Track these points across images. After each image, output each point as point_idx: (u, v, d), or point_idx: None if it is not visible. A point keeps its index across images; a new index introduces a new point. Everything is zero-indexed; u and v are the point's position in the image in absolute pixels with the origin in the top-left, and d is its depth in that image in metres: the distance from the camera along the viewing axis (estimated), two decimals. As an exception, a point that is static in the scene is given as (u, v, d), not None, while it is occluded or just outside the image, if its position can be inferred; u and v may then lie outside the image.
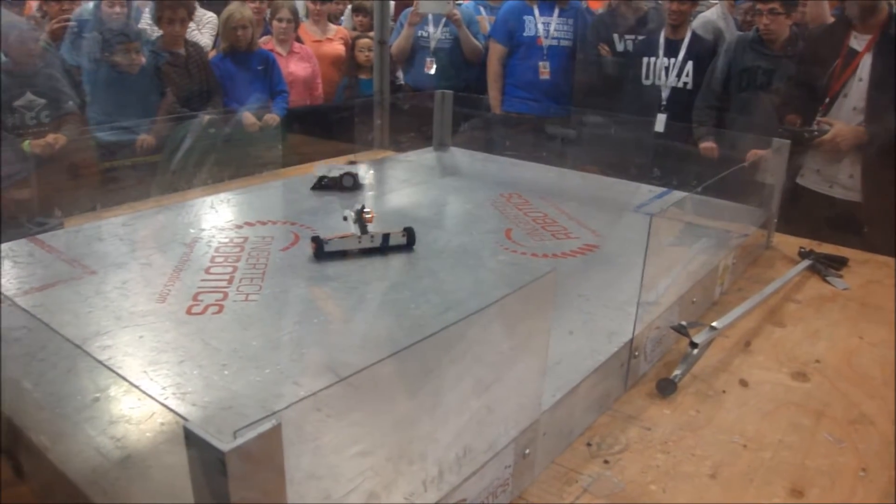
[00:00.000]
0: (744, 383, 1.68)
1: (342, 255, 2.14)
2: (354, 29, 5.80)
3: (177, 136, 3.40)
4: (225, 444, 0.74)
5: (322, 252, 2.12)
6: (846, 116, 3.17)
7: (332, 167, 2.85)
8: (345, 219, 2.28)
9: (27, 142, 3.06)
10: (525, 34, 4.60)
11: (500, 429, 1.24)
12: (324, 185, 2.80)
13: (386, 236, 2.18)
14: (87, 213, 2.58)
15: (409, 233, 2.20)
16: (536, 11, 4.60)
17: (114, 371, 1.39)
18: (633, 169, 3.28)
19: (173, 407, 1.36)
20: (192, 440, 0.77)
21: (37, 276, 1.96)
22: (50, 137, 3.11)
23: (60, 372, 1.47)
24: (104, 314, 1.74)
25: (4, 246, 2.12)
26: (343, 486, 1.06)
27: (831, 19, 3.83)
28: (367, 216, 2.22)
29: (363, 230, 2.19)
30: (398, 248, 2.19)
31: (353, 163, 2.68)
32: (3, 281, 1.90)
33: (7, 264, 2.01)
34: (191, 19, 4.76)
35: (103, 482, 1.19)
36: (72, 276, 1.96)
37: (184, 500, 0.83)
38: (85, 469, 1.22)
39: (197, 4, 5.08)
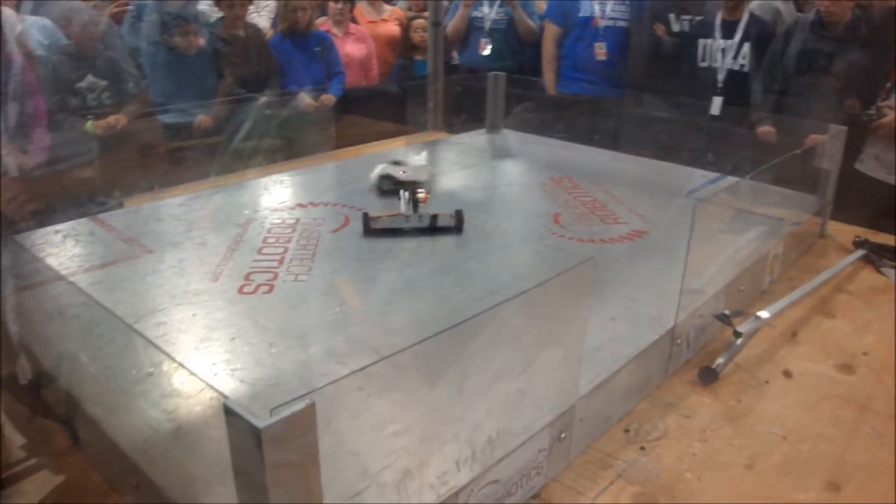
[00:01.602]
0: (787, 374, 1.67)
1: (391, 232, 2.18)
2: (409, 9, 5.81)
3: (234, 118, 3.47)
4: (261, 421, 0.78)
5: (369, 229, 2.17)
6: (908, 101, 3.10)
7: (390, 167, 2.61)
8: (398, 197, 2.34)
9: (90, 122, 3.16)
10: (581, 14, 4.56)
11: (536, 412, 1.26)
12: (385, 189, 2.55)
13: (435, 217, 2.22)
14: (146, 194, 2.66)
15: (459, 216, 2.23)
16: (593, -8, 4.55)
17: (162, 350, 1.45)
18: (686, 153, 3.24)
19: (223, 383, 1.41)
20: (231, 416, 0.81)
21: (97, 254, 2.04)
22: (111, 118, 3.21)
23: (116, 347, 1.53)
24: (160, 292, 1.80)
25: (67, 225, 2.20)
26: (378, 463, 1.10)
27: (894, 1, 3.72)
28: (420, 196, 2.27)
29: (414, 209, 2.24)
30: (446, 230, 2.22)
31: (397, 163, 2.59)
32: (65, 259, 1.98)
33: (69, 243, 2.10)
34: (250, 2, 4.84)
35: (154, 453, 1.25)
36: (130, 254, 2.03)
37: (226, 471, 0.87)
38: (137, 440, 1.28)
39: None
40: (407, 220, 2.21)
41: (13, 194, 2.20)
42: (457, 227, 2.23)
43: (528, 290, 1.12)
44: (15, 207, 2.14)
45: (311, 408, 0.82)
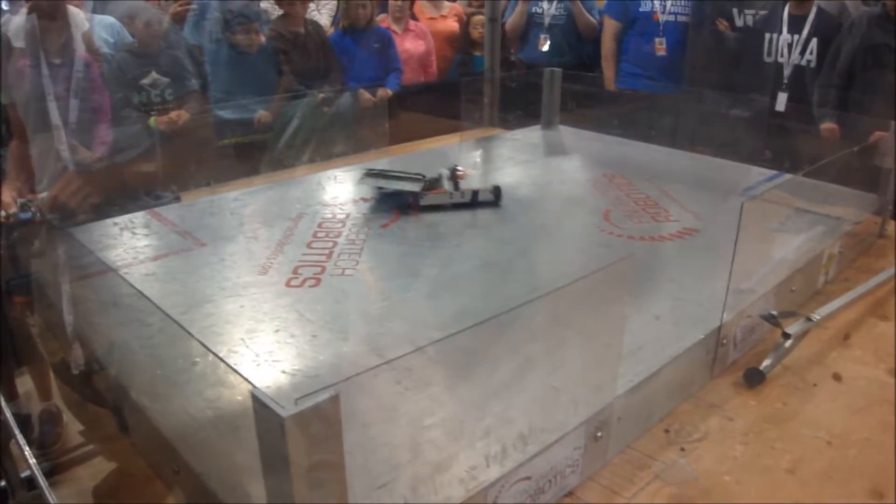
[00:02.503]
0: (837, 377, 1.63)
1: (435, 208, 2.32)
2: (469, 6, 5.81)
3: (290, 114, 3.52)
4: (285, 411, 0.80)
5: (417, 205, 2.31)
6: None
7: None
8: (439, 176, 2.42)
9: (153, 118, 3.24)
10: (641, 10, 4.50)
11: (571, 410, 1.25)
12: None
13: (475, 193, 2.35)
14: (202, 188, 2.72)
15: (497, 191, 2.37)
16: (653, -14, 4.49)
17: (199, 341, 1.48)
18: (745, 150, 3.17)
19: (264, 374, 1.44)
20: (258, 405, 0.83)
21: (152, 246, 2.09)
22: (174, 114, 3.28)
23: (165, 337, 1.57)
24: (210, 284, 1.84)
25: (124, 218, 2.26)
26: (408, 455, 1.11)
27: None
28: (459, 174, 2.38)
29: (455, 187, 2.36)
30: (487, 205, 2.36)
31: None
32: (121, 251, 2.04)
33: (126, 235, 2.16)
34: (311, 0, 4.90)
35: (194, 440, 1.28)
36: (183, 247, 2.08)
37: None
38: (179, 427, 1.31)
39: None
40: (450, 197, 2.35)
41: (73, 188, 2.27)
42: (496, 201, 2.37)
43: (564, 286, 1.12)
44: (75, 201, 2.21)
45: (335, 399, 0.83)
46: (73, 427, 1.95)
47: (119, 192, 2.56)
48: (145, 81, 3.32)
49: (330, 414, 0.83)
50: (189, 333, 1.46)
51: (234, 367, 1.41)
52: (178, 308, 1.70)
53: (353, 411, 0.90)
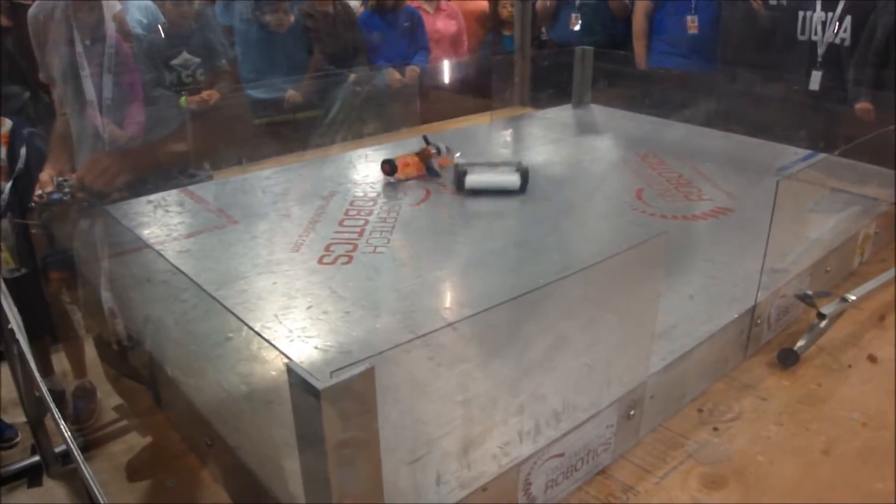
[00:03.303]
0: (872, 359, 1.61)
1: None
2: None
3: (323, 93, 3.53)
4: (321, 383, 0.80)
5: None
6: None
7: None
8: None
9: (184, 98, 3.25)
10: (674, -13, 4.45)
11: (603, 388, 1.25)
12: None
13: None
14: (235, 167, 2.74)
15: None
16: (686, -36, 4.43)
17: (235, 315, 1.49)
18: (780, 129, 3.13)
19: (297, 349, 1.45)
20: (293, 377, 0.84)
21: (186, 224, 2.11)
22: (204, 94, 3.30)
23: (199, 313, 1.59)
24: (243, 261, 1.86)
25: (158, 196, 2.29)
26: (440, 430, 1.11)
27: None
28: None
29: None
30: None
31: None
32: (155, 228, 2.06)
33: (160, 213, 2.18)
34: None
35: (227, 414, 1.30)
36: (217, 224, 2.10)
37: (294, 433, 0.90)
38: (213, 401, 1.33)
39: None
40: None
41: (102, 168, 2.30)
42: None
43: (595, 264, 1.12)
44: (102, 181, 2.24)
45: (370, 371, 0.83)
46: (108, 402, 1.99)
47: (152, 170, 2.59)
48: (176, 62, 3.34)
49: (365, 387, 0.83)
50: (225, 308, 1.47)
51: (270, 341, 1.41)
52: (212, 284, 1.72)
53: (385, 387, 0.90)
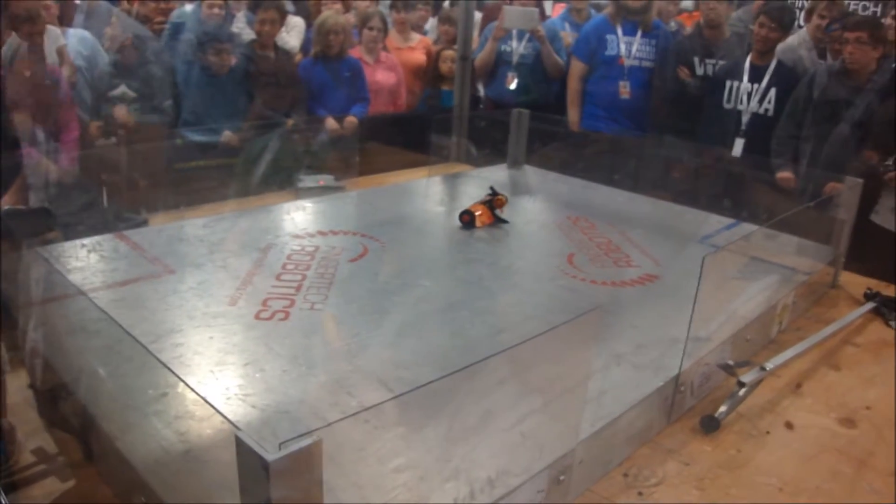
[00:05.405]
0: (789, 425, 1.69)
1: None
2: (437, 40, 5.88)
3: (260, 140, 3.54)
4: (270, 455, 0.82)
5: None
6: (927, 156, 3.11)
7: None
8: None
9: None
10: (607, 53, 4.61)
11: (536, 454, 1.29)
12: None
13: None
14: (171, 212, 2.72)
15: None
16: (620, 31, 4.61)
17: (177, 375, 1.49)
18: (704, 197, 3.27)
19: (234, 407, 1.45)
20: (241, 448, 0.85)
21: (120, 271, 2.09)
22: (122, 112, 3.29)
23: (135, 366, 1.58)
24: (179, 313, 1.85)
25: (92, 239, 2.26)
26: (381, 498, 1.13)
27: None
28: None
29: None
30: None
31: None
32: (89, 273, 2.04)
33: (94, 257, 2.16)
34: (282, 23, 4.92)
35: (164, 472, 1.29)
36: (152, 273, 2.09)
37: (235, 496, 0.91)
38: (148, 459, 1.32)
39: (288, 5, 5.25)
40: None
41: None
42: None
43: (531, 339, 1.16)
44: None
45: (318, 444, 0.86)
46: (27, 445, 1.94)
47: (86, 211, 2.56)
48: (115, 93, 3.34)
49: (313, 458, 0.86)
50: (162, 363, 1.47)
51: (215, 407, 1.41)
52: (147, 336, 1.71)
53: (328, 450, 0.92)
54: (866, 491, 1.48)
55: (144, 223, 2.57)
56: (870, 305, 2.33)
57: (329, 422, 0.92)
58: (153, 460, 1.33)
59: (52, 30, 3.01)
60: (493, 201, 2.73)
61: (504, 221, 2.71)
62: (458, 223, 2.64)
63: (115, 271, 2.10)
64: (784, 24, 4.16)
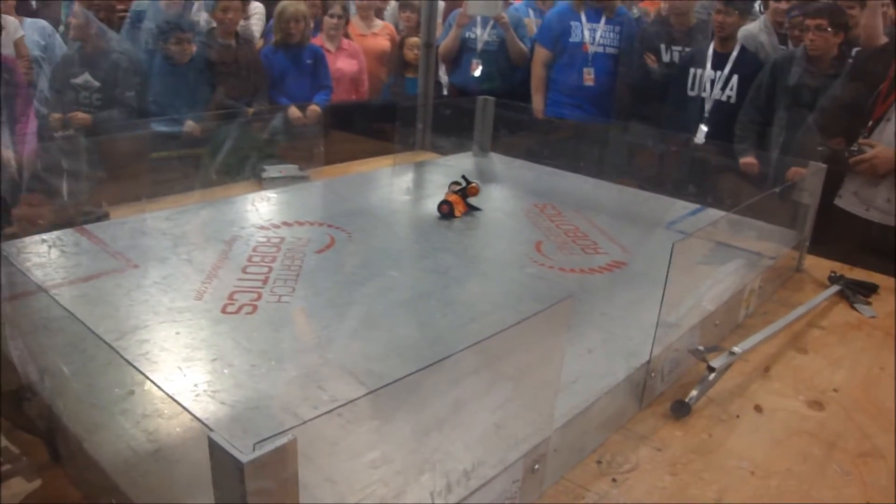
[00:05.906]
0: (758, 409, 1.71)
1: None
2: (397, 25, 5.85)
3: (223, 130, 3.49)
4: (244, 456, 0.81)
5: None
6: (888, 140, 3.15)
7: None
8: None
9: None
10: (571, 40, 4.63)
11: (511, 444, 1.29)
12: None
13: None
14: (133, 204, 2.67)
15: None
16: (584, 17, 4.62)
17: (143, 374, 1.46)
18: (669, 183, 3.29)
19: (203, 404, 1.43)
20: (214, 449, 0.84)
21: (82, 266, 2.05)
22: (79, 115, 3.22)
23: (99, 364, 1.54)
24: (144, 308, 1.82)
25: (52, 235, 2.21)
26: (356, 494, 1.12)
27: (885, 39, 3.77)
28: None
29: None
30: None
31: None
32: (50, 270, 2.00)
33: (55, 253, 2.11)
34: (244, 10, 4.87)
35: (133, 473, 1.27)
36: (115, 268, 2.04)
37: (206, 495, 0.89)
38: (117, 459, 1.29)
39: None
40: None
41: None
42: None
43: (502, 330, 1.15)
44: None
45: (293, 443, 0.84)
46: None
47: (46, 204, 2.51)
48: (77, 81, 3.27)
49: (288, 457, 0.84)
50: (127, 361, 1.44)
51: (187, 408, 1.39)
52: (112, 334, 1.67)
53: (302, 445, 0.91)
54: (836, 472, 1.50)
55: (105, 217, 2.52)
56: (834, 289, 2.36)
57: (303, 419, 0.91)
58: (122, 461, 1.31)
59: (10, 21, 2.94)
60: (467, 189, 2.72)
61: (477, 209, 2.70)
62: (425, 212, 2.62)
63: (77, 267, 2.06)
64: (740, 9, 4.20)
